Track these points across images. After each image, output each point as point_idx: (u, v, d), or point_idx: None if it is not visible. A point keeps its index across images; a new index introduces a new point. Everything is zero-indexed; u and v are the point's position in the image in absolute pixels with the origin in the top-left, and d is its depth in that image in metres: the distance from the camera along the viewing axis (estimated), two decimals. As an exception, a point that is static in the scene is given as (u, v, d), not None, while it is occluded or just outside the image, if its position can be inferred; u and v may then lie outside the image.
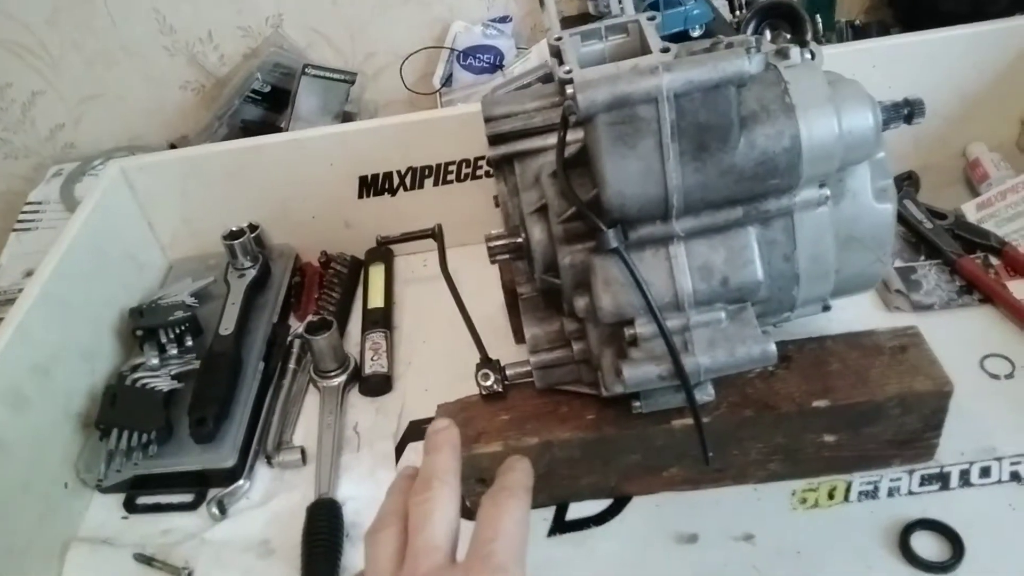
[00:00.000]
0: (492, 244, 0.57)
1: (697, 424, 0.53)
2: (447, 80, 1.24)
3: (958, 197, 0.89)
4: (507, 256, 0.58)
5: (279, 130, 1.09)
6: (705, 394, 0.58)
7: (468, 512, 0.67)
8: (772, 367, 0.61)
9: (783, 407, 0.61)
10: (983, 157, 0.91)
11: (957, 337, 0.72)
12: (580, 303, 0.55)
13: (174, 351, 0.80)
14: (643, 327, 0.53)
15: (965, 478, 0.64)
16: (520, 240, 0.58)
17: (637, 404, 0.58)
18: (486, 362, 0.61)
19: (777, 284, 0.55)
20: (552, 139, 0.60)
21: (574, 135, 0.54)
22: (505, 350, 0.67)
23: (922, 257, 0.83)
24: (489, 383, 0.61)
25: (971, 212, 0.86)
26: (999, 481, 0.63)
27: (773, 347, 0.52)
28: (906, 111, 0.53)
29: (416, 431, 0.76)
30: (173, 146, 1.15)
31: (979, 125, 0.93)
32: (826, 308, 0.60)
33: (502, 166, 0.62)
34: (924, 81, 0.81)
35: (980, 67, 0.89)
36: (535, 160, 0.61)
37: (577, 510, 0.67)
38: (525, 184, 0.60)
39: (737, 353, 0.52)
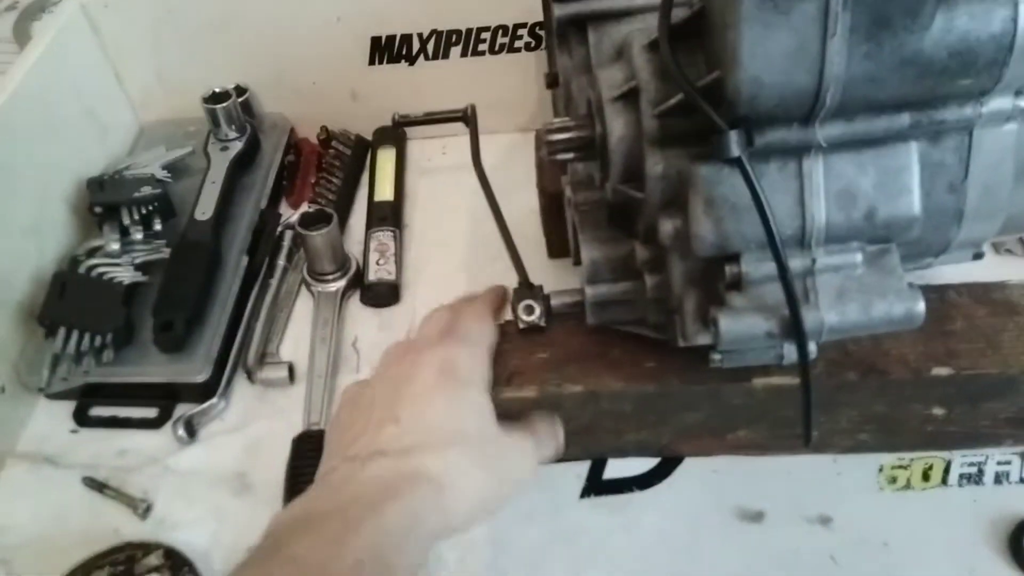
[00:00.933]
0: (554, 137, 0.43)
1: (806, 403, 0.41)
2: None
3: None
4: (571, 155, 0.44)
5: (277, -28, 0.91)
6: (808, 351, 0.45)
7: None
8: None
9: (894, 372, 0.48)
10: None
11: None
12: (667, 226, 0.41)
13: (139, 235, 0.66)
14: (752, 266, 0.40)
15: (1090, 469, 0.53)
16: (590, 134, 0.43)
17: (717, 357, 0.45)
18: (527, 289, 0.48)
19: (934, 221, 0.41)
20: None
21: (680, -5, 0.39)
22: (536, 264, 0.54)
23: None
24: (533, 317, 0.48)
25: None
26: None
27: (922, 306, 0.39)
28: None
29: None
30: (150, -17, 0.97)
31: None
32: (978, 256, 0.46)
33: (568, 32, 0.47)
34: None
35: None
36: (616, 27, 0.45)
37: (617, 468, 0.56)
38: (601, 59, 0.45)
39: (873, 310, 0.39)
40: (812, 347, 0.44)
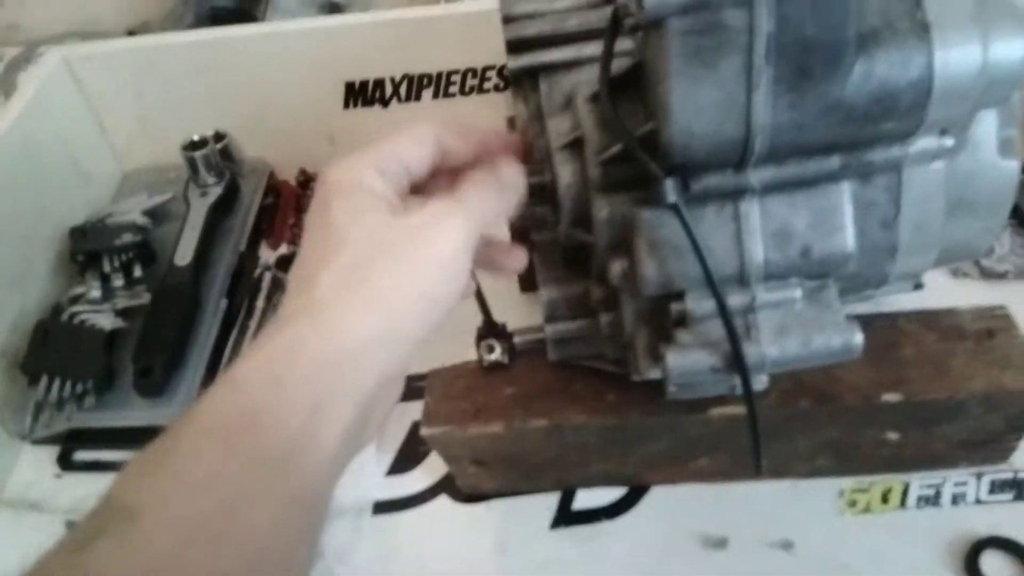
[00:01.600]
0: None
1: (754, 434, 0.42)
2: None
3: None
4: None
5: (255, 20, 0.93)
6: (757, 381, 0.47)
7: (458, 494, 0.59)
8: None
9: (846, 399, 0.50)
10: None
11: (1034, 315, 0.62)
12: (616, 268, 0.43)
13: (120, 282, 0.68)
14: (695, 304, 0.42)
15: (1044, 488, 0.54)
16: (543, 180, 0.45)
17: (673, 389, 0.47)
18: (490, 329, 0.50)
19: (869, 257, 0.43)
20: (590, 49, 0.47)
21: (621, 46, 0.41)
22: (508, 299, 0.56)
23: (999, 216, 0.71)
24: (494, 356, 0.49)
25: (1056, 166, 0.74)
26: (1087, 494, 0.54)
27: (859, 338, 0.41)
28: (1064, 41, 0.40)
29: (407, 388, 0.65)
30: (133, 33, 1.00)
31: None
32: (918, 286, 0.48)
33: (523, 81, 0.49)
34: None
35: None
36: (567, 76, 0.48)
37: (586, 499, 0.57)
38: (552, 108, 0.47)
39: (813, 343, 0.41)
40: (764, 378, 0.45)
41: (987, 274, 0.68)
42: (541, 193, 0.47)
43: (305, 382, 0.31)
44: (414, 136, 0.38)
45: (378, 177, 0.36)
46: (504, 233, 0.48)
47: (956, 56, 0.37)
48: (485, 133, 0.42)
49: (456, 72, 0.77)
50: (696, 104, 0.36)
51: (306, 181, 0.81)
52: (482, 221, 0.37)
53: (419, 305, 0.34)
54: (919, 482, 0.55)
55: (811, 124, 0.37)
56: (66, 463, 0.62)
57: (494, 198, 0.38)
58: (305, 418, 0.30)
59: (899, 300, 0.53)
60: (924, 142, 0.40)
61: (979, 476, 0.55)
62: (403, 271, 0.34)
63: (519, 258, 0.44)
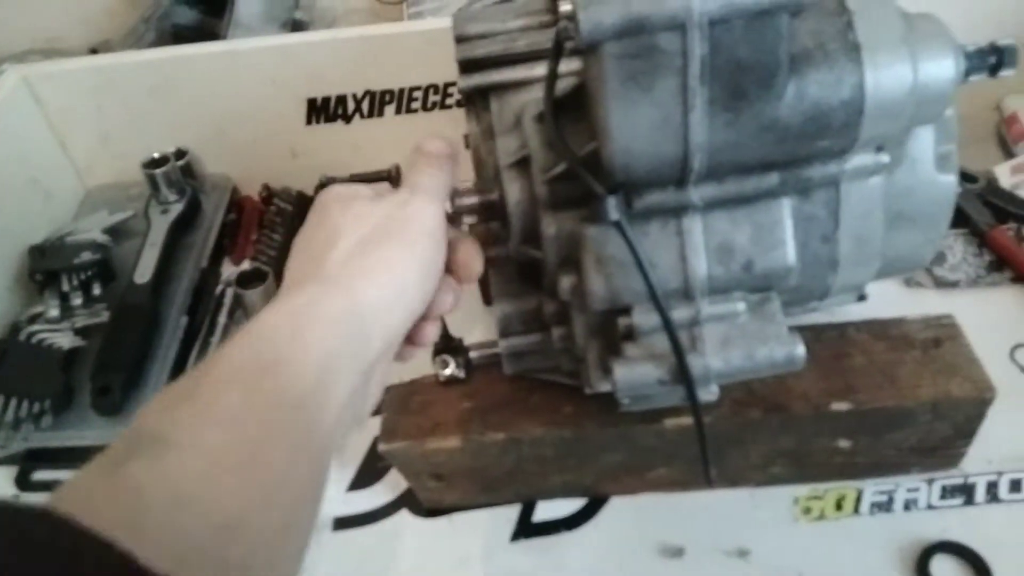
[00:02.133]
0: (459, 201, 0.46)
1: (702, 444, 0.43)
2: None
3: (989, 158, 0.79)
4: (475, 219, 0.47)
5: (216, 38, 0.93)
6: (707, 392, 0.48)
7: (419, 508, 0.59)
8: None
9: (796, 408, 0.51)
10: (1022, 112, 0.80)
11: (985, 322, 0.62)
12: (565, 283, 0.44)
13: (79, 300, 0.68)
14: (642, 318, 0.42)
15: (992, 492, 0.56)
16: (493, 198, 0.46)
17: (626, 401, 0.48)
18: (446, 343, 0.50)
19: (811, 270, 0.44)
20: (540, 69, 0.48)
21: (569, 66, 0.42)
22: (471, 312, 0.56)
23: (948, 226, 0.73)
24: (449, 371, 0.50)
25: (1005, 176, 0.76)
26: (1033, 498, 0.55)
27: (802, 350, 0.42)
28: (992, 60, 0.42)
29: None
30: (95, 51, 0.99)
31: (1020, 74, 0.82)
32: (861, 298, 0.49)
33: (475, 100, 0.50)
34: (953, 13, 0.69)
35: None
36: (516, 96, 0.48)
37: (546, 510, 0.58)
38: (503, 126, 0.48)
39: (756, 356, 0.42)
40: (714, 388, 0.46)
41: (940, 283, 0.69)
42: (492, 210, 0.47)
43: (321, 339, 0.34)
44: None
45: (365, 188, 0.42)
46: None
47: (886, 76, 0.38)
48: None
49: (418, 88, 0.77)
50: (634, 125, 0.37)
51: (269, 196, 0.81)
52: (442, 193, 0.42)
53: (419, 272, 0.38)
54: (872, 488, 0.56)
55: (748, 143, 0.38)
56: (24, 483, 0.61)
57: (435, 171, 0.43)
58: (319, 372, 0.33)
59: (851, 310, 0.54)
60: (860, 159, 0.42)
61: (930, 482, 0.56)
62: (401, 243, 0.38)
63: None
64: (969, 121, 0.81)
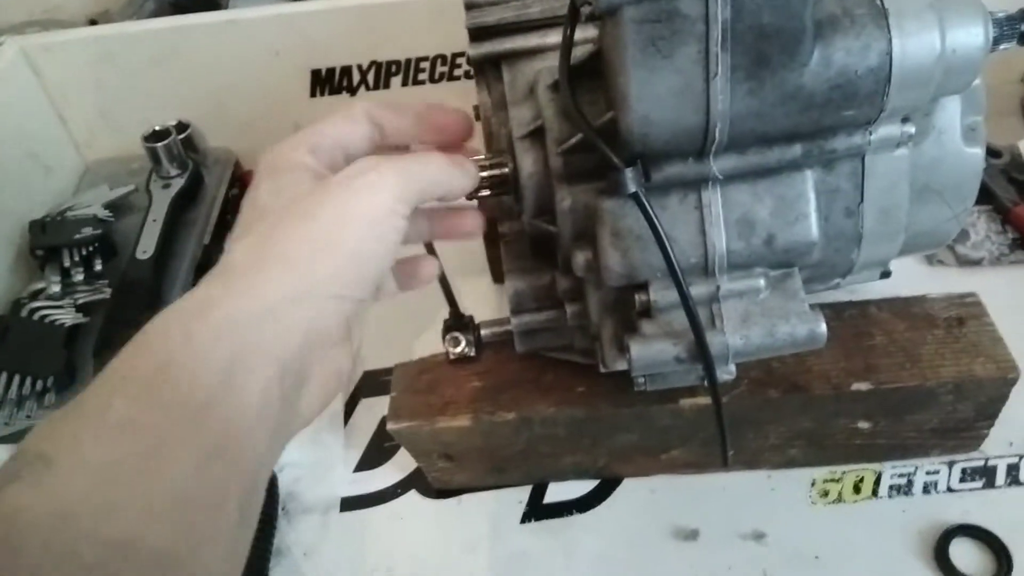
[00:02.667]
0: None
1: (720, 425, 0.42)
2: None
3: (1013, 132, 0.77)
4: (487, 192, 0.45)
5: (217, 7, 0.91)
6: (725, 372, 0.46)
7: (427, 489, 0.58)
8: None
9: (816, 388, 0.50)
10: (1048, 85, 0.78)
11: (1008, 301, 0.60)
12: (580, 258, 0.42)
13: (80, 276, 0.66)
14: (659, 294, 0.41)
15: (1013, 474, 0.54)
16: (506, 171, 0.44)
17: (641, 380, 0.46)
18: (456, 321, 0.49)
19: (834, 245, 0.43)
20: (554, 37, 0.46)
21: (584, 33, 0.40)
22: (480, 290, 0.55)
23: (971, 202, 0.71)
24: (459, 349, 0.49)
25: (1029, 151, 0.74)
26: (1055, 480, 0.54)
27: (824, 327, 0.41)
28: (1023, 28, 0.40)
29: (372, 383, 0.64)
30: (94, 22, 0.98)
31: (1045, 46, 0.80)
32: (885, 275, 0.48)
33: (486, 69, 0.48)
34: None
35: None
36: (530, 64, 0.47)
37: (557, 491, 0.57)
38: (515, 96, 0.46)
39: (777, 333, 0.41)
40: (732, 368, 0.45)
41: (963, 261, 0.67)
42: (505, 183, 0.46)
43: (217, 338, 0.31)
44: (345, 114, 0.39)
45: (308, 154, 0.37)
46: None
47: (914, 43, 0.36)
48: (421, 106, 0.42)
49: (425, 59, 0.76)
50: (654, 93, 0.35)
51: (274, 172, 0.79)
52: (419, 182, 0.36)
53: (342, 261, 0.33)
54: (891, 471, 0.55)
55: (771, 112, 0.37)
56: (28, 463, 0.61)
57: (436, 166, 0.37)
58: (221, 373, 0.30)
59: (872, 288, 0.53)
60: (886, 129, 0.40)
61: (951, 464, 0.55)
62: (319, 228, 0.33)
63: (475, 219, 0.44)
64: (992, 93, 0.79)
